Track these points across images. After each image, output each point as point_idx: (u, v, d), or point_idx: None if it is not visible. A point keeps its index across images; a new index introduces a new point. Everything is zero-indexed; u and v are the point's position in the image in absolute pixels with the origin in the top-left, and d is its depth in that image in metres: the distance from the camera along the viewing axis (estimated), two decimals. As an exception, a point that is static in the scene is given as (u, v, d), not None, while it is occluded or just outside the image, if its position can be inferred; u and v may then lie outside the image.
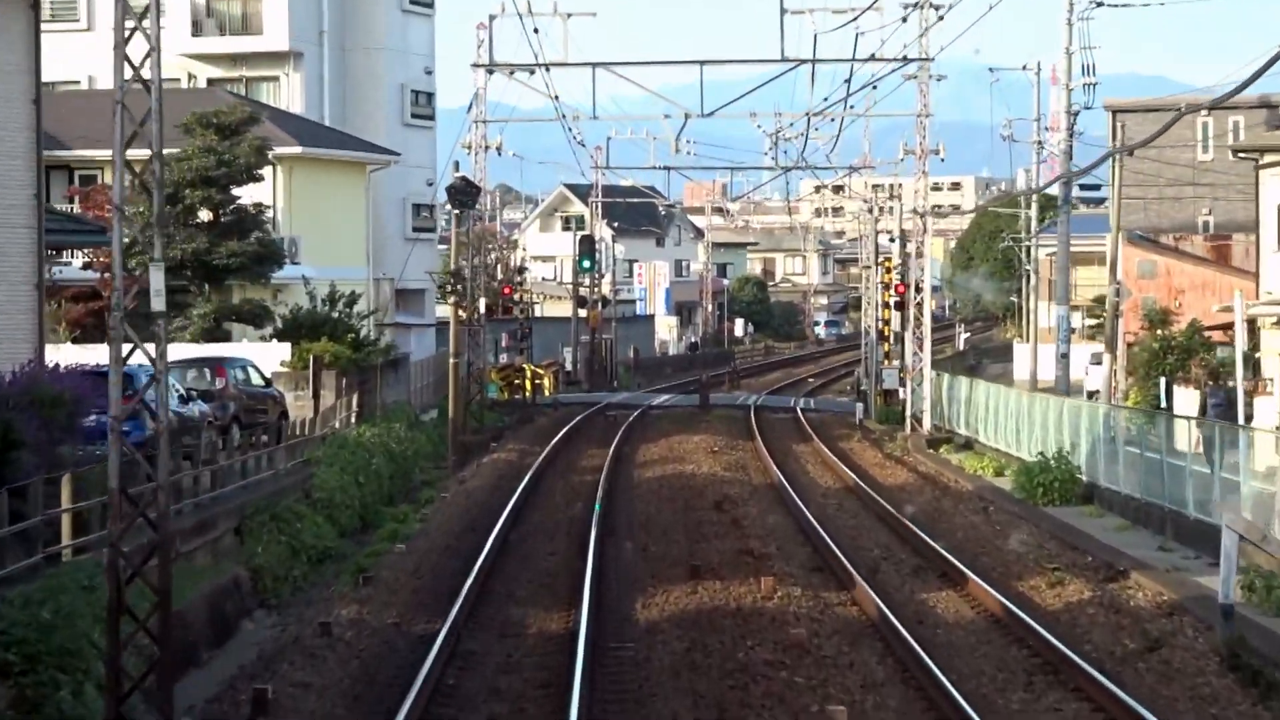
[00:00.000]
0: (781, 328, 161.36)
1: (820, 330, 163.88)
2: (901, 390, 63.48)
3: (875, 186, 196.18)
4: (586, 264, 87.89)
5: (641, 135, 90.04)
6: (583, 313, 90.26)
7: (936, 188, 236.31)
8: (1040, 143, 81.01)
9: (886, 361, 69.16)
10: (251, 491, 33.65)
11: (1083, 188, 74.46)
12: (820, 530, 33.08)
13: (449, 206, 57.53)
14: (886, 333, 70.82)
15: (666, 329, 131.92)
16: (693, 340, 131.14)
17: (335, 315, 54.38)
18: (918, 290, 72.74)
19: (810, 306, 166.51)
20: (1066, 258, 63.99)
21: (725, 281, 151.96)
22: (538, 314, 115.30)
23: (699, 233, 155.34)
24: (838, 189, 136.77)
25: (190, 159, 51.53)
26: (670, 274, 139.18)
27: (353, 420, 50.28)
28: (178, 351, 49.89)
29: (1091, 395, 74.89)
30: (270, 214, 57.28)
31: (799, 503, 37.82)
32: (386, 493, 42.79)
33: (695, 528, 34.14)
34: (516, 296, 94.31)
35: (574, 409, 70.28)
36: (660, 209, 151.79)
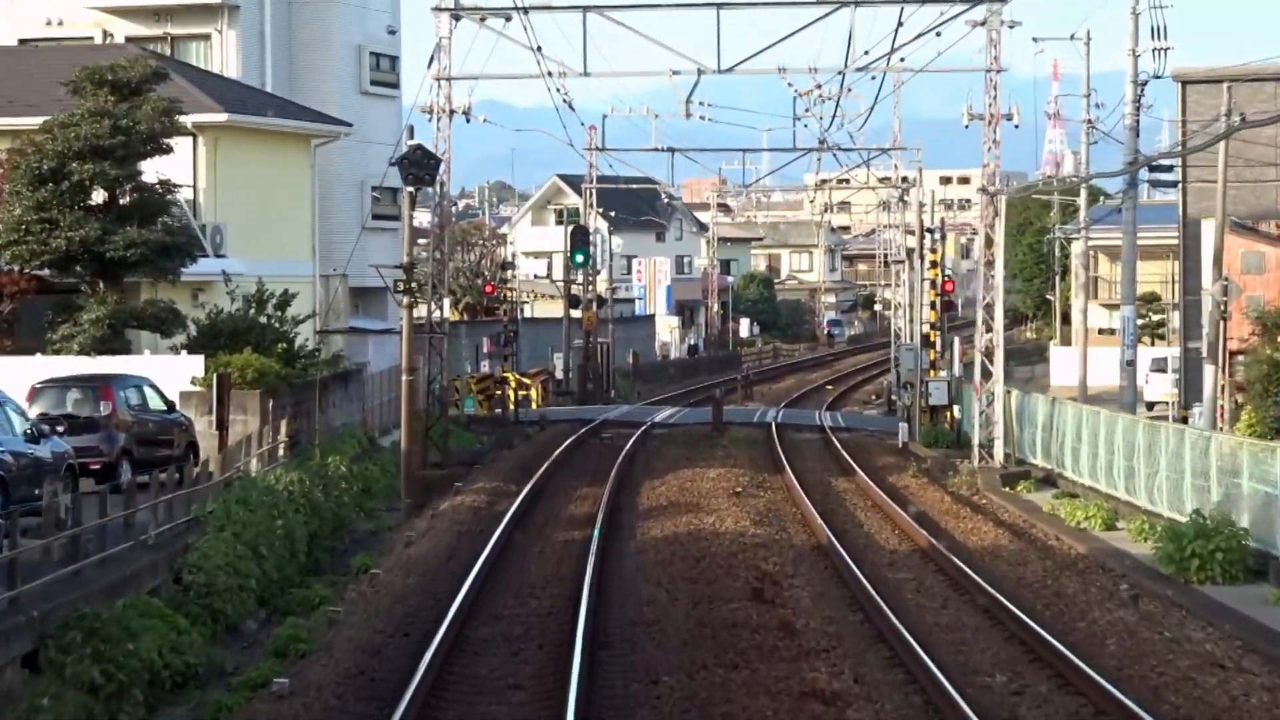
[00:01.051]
0: (789, 328, 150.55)
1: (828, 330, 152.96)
2: (957, 408, 52.58)
3: (883, 179, 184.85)
4: (580, 258, 76.96)
5: (642, 112, 79.33)
6: (576, 314, 79.35)
7: (946, 180, 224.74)
8: (1091, 122, 70.22)
9: (933, 372, 58.28)
10: (83, 582, 22.82)
11: (1151, 169, 63.29)
12: (909, 639, 22.22)
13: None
14: (933, 338, 59.91)
15: (668, 330, 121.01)
16: (692, 343, 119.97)
17: (264, 320, 43.50)
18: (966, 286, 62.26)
19: (820, 305, 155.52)
20: (1133, 250, 53.30)
21: (730, 279, 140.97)
22: (528, 315, 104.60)
23: (701, 226, 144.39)
24: (843, 181, 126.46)
25: (79, 124, 40.61)
26: (671, 271, 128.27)
27: (282, 453, 39.46)
28: (54, 367, 39.17)
29: (1152, 406, 64.06)
30: (187, 195, 46.39)
31: (863, 582, 26.89)
32: (306, 560, 31.94)
33: (727, 638, 23.13)
34: (502, 295, 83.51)
35: (564, 428, 59.37)
36: (663, 197, 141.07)
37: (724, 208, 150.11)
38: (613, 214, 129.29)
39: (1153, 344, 78.96)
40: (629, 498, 39.47)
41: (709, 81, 46.22)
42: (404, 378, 40.24)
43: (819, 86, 52.02)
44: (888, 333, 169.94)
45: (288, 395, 41.94)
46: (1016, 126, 44.77)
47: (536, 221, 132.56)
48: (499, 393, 64.16)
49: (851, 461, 47.24)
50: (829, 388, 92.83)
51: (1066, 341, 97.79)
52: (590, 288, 79.03)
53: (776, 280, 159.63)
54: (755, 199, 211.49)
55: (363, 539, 36.73)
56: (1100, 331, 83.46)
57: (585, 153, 78.71)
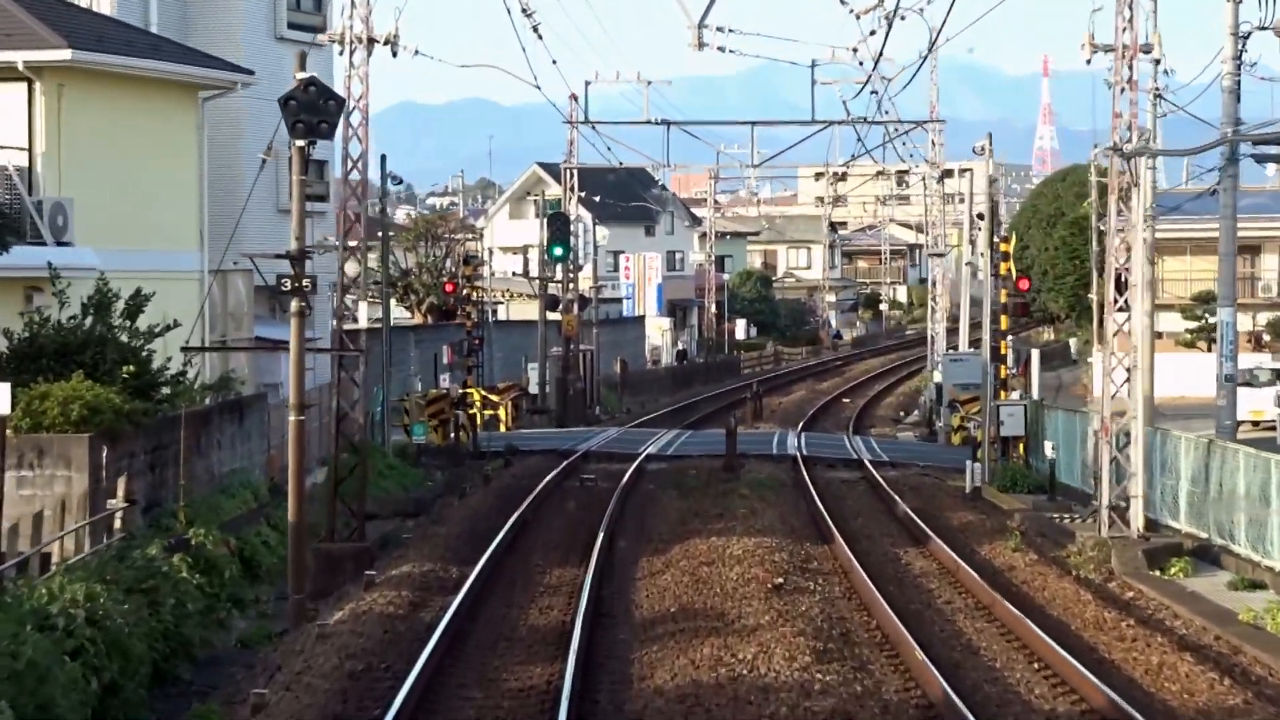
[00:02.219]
0: (789, 329, 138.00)
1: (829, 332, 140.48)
2: (1042, 446, 39.89)
3: (879, 173, 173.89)
4: (558, 251, 64.31)
5: (632, 79, 66.86)
6: (556, 316, 66.67)
7: (948, 173, 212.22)
8: (1159, 93, 57.88)
9: (1004, 394, 45.78)
10: None
11: (1257, 143, 50.81)
12: None
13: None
14: (1005, 349, 47.40)
15: (659, 333, 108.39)
16: (681, 347, 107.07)
17: (109, 331, 30.86)
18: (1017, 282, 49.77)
19: (824, 305, 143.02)
20: (1232, 239, 40.98)
21: (725, 276, 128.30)
22: (502, 317, 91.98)
23: (694, 219, 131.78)
24: (840, 176, 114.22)
25: None
26: (662, 267, 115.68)
27: (118, 525, 26.96)
28: None
29: (1239, 426, 51.65)
30: (18, 161, 33.75)
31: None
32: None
33: None
34: (468, 294, 71.43)
35: (535, 463, 46.80)
36: (656, 181, 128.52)
37: (695, 219, 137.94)
38: (597, 199, 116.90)
39: (1209, 349, 67.67)
40: (619, 593, 26.81)
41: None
42: (291, 418, 27.46)
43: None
44: (894, 334, 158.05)
45: (137, 440, 29.30)
46: (1158, 62, 32.13)
47: (515, 214, 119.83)
48: (460, 413, 51.53)
49: (916, 519, 34.63)
50: (846, 401, 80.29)
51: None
52: (571, 286, 66.41)
53: (773, 278, 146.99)
54: (750, 188, 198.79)
55: (228, 656, 24.22)
56: (1159, 336, 71.42)
57: (565, 126, 66.08)
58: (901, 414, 73.36)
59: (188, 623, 23.38)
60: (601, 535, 31.46)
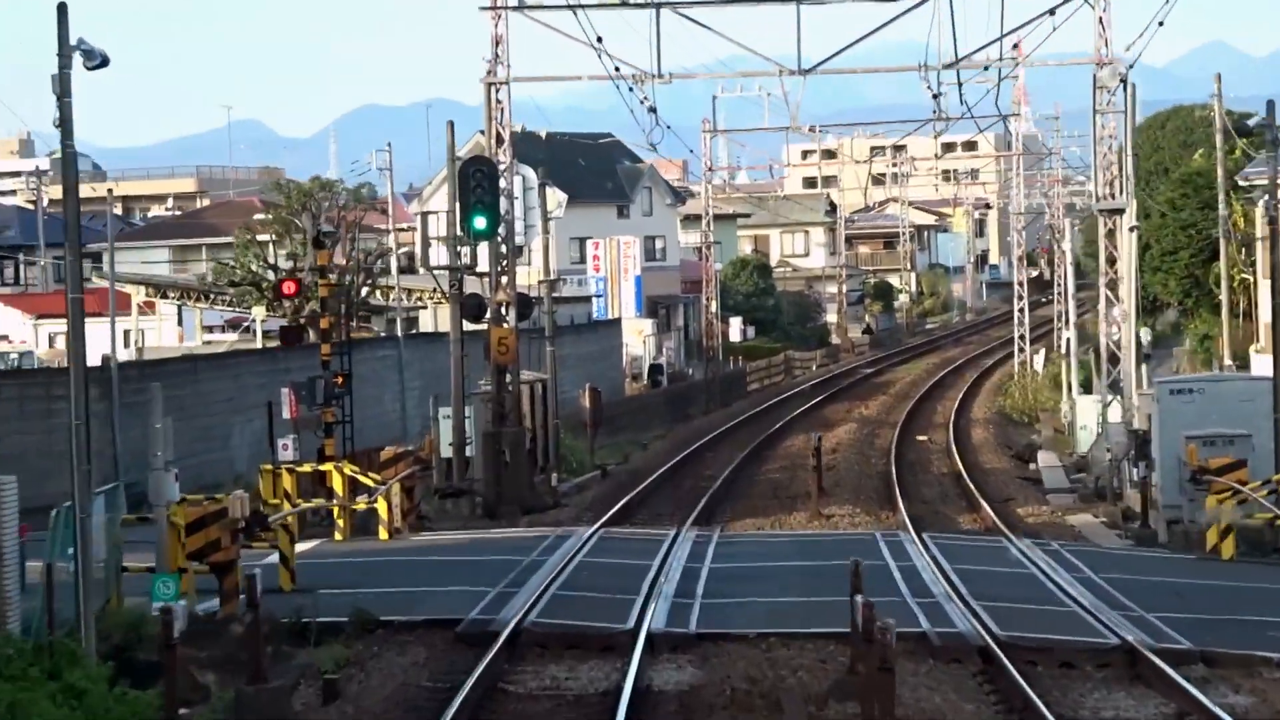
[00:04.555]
0: (793, 328, 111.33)
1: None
2: None
3: (874, 147, 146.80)
4: (480, 224, 37.32)
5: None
6: (483, 327, 39.78)
7: (949, 147, 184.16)
8: None
9: None
10: None
11: None
12: None
13: None
14: None
15: (639, 339, 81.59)
16: (660, 360, 79.66)
17: None
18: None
19: (837, 297, 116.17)
20: None
21: (716, 266, 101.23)
22: (426, 328, 65.15)
23: (677, 196, 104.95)
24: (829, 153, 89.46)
25: None
26: (640, 255, 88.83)
27: None
28: None
29: None
30: None
31: None
32: None
33: None
34: (371, 297, 44.96)
35: (396, 674, 20.01)
36: (625, 152, 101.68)
37: (686, 193, 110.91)
38: (554, 175, 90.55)
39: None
40: None
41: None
42: None
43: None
44: (915, 330, 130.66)
45: None
46: None
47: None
48: (259, 543, 24.71)
49: None
50: (923, 440, 53.60)
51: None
52: (504, 281, 39.38)
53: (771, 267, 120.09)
54: (729, 173, 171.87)
55: None
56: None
57: (486, 14, 39.23)
58: (1031, 467, 46.54)
59: None
60: None
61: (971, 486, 39.95)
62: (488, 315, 38.59)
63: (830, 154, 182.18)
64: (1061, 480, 42.07)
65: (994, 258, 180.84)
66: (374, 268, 56.47)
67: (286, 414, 34.77)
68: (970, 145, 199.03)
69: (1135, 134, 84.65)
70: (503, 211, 38.71)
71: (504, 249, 39.06)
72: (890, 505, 37.31)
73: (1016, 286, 67.65)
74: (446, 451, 38.51)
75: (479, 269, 39.22)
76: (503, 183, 38.79)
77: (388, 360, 54.01)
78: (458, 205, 37.73)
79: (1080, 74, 42.15)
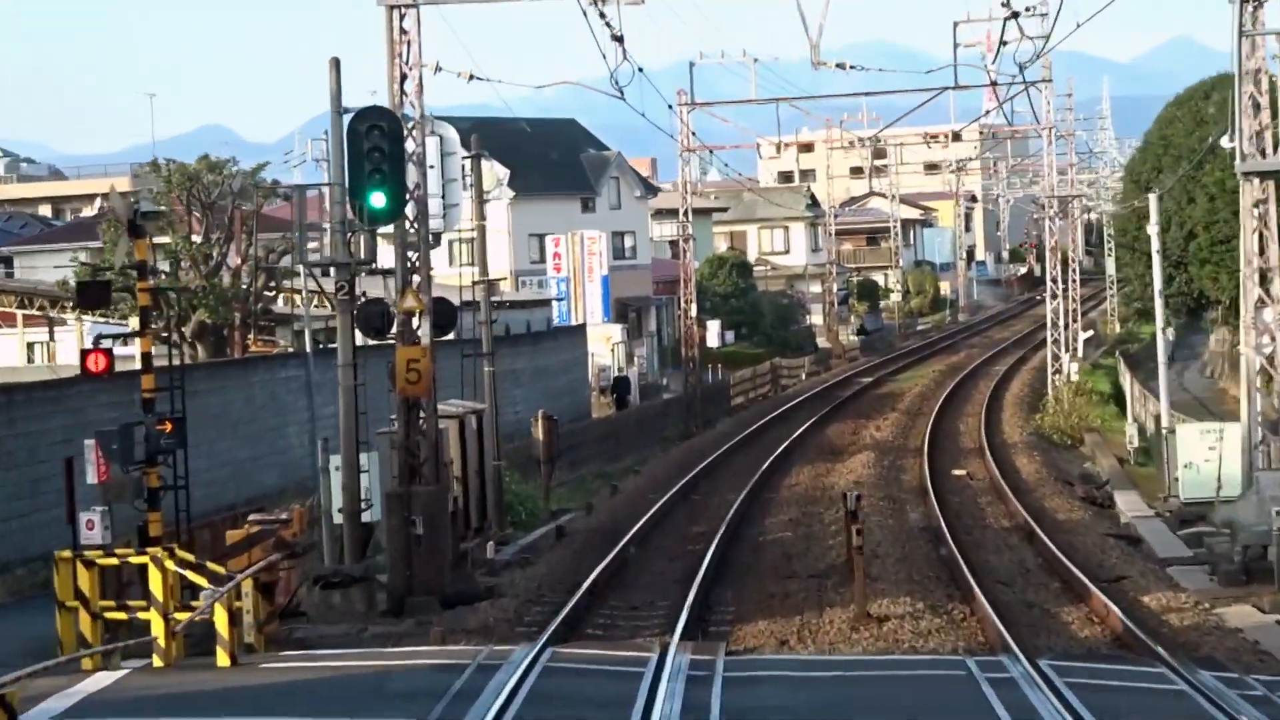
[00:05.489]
0: (775, 331, 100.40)
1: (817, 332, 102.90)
2: None
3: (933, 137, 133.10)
4: (380, 201, 26.20)
5: None
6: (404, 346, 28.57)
7: (934, 138, 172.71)
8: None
9: None
10: None
11: None
12: None
13: None
14: None
15: (606, 348, 70.55)
16: (622, 374, 68.20)
17: None
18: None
19: (830, 298, 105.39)
20: None
21: (694, 264, 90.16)
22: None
23: (648, 188, 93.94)
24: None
25: None
26: (608, 252, 77.83)
27: None
28: None
29: None
30: None
31: None
32: None
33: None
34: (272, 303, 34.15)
35: None
36: (590, 139, 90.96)
37: (650, 188, 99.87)
38: (512, 166, 79.76)
39: None
40: None
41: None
42: None
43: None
44: (907, 332, 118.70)
45: None
46: None
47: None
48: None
49: None
50: (960, 475, 42.54)
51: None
52: (414, 281, 28.11)
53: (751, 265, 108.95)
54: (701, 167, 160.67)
55: None
56: None
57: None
58: (1120, 518, 35.39)
59: None
60: None
61: (1060, 555, 28.84)
62: (395, 330, 27.41)
63: (807, 147, 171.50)
64: (1171, 542, 31.08)
65: (980, 253, 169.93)
66: (277, 268, 45.20)
67: (93, 477, 23.72)
68: (956, 136, 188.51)
69: (1172, 108, 74.04)
70: (412, 186, 27.57)
71: (415, 237, 27.88)
72: (956, 590, 26.31)
73: (1050, 283, 56.64)
74: (340, 511, 27.36)
75: (373, 263, 28.05)
76: (413, 146, 27.61)
77: (292, 383, 42.95)
78: (346, 175, 26.56)
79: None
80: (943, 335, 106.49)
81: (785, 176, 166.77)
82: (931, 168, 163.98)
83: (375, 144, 26.30)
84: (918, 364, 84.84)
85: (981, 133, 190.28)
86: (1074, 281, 62.88)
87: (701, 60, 61.34)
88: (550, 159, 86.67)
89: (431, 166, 28.02)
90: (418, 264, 27.82)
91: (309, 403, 43.10)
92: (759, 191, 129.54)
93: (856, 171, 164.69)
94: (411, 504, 26.88)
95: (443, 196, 28.19)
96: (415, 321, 27.50)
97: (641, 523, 34.63)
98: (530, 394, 58.72)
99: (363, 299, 27.65)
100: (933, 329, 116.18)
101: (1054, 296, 56.33)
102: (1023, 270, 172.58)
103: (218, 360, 43.34)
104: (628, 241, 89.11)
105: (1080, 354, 69.68)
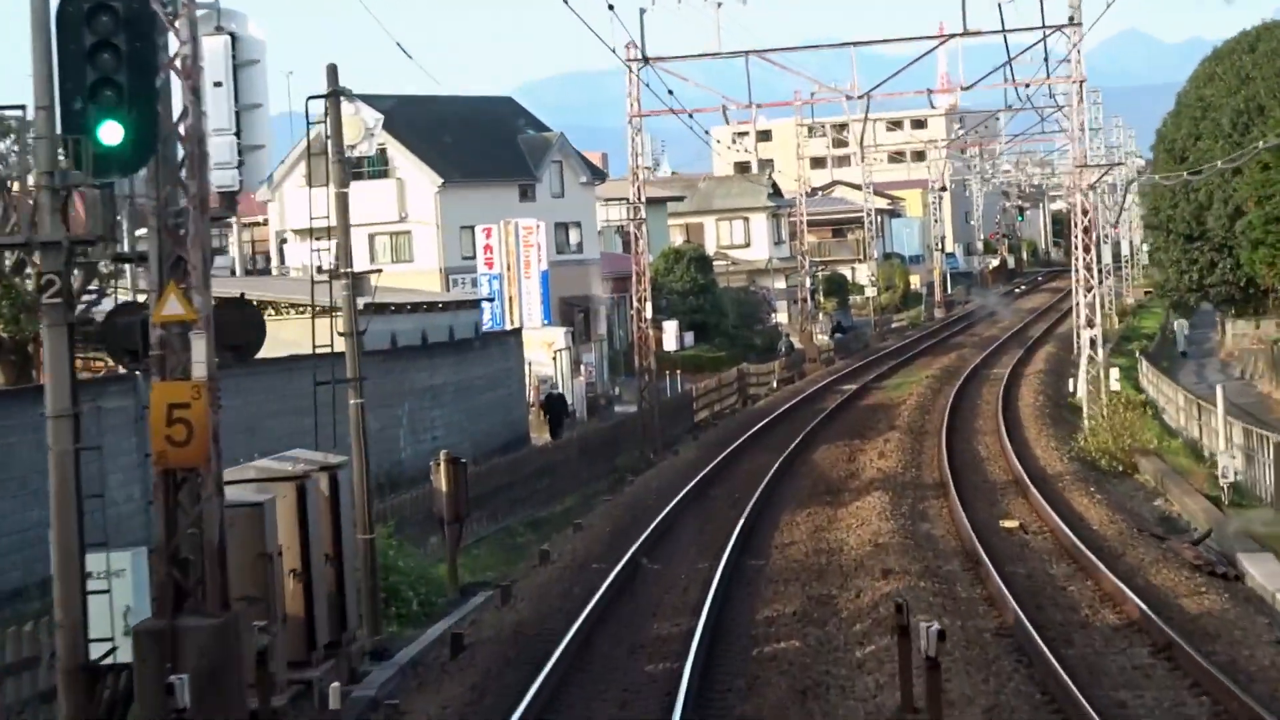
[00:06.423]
0: (738, 332, 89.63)
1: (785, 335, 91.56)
2: None
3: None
4: (114, 136, 15.17)
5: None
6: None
7: (896, 124, 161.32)
8: None
9: None
10: None
11: None
12: None
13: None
14: None
15: (548, 355, 59.40)
16: (556, 390, 56.24)
17: None
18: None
19: (804, 294, 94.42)
20: None
21: (648, 258, 78.72)
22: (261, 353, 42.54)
23: (595, 173, 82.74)
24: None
25: None
26: (549, 245, 66.66)
27: None
28: None
29: None
30: None
31: None
32: None
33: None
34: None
35: None
36: (528, 118, 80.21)
37: (598, 173, 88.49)
38: (439, 153, 68.97)
39: None
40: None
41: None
42: None
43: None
44: (884, 330, 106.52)
45: None
46: None
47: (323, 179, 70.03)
48: None
49: None
50: (1011, 528, 31.41)
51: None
52: (192, 277, 16.92)
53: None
54: (653, 158, 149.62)
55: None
56: None
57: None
58: (1256, 592, 24.46)
59: None
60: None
61: (1250, 704, 17.68)
62: (143, 358, 16.14)
63: (765, 134, 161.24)
64: None
65: (949, 244, 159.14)
66: (100, 266, 34.01)
67: None
68: (919, 124, 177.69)
69: (1210, 64, 63.39)
70: (177, 114, 16.31)
71: (185, 199, 16.55)
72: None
73: (1083, 271, 45.68)
74: (103, 645, 16.02)
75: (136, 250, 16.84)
76: (177, 46, 16.30)
77: (118, 415, 31.76)
78: (57, 93, 15.29)
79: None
80: (923, 334, 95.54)
81: (743, 168, 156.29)
82: (896, 157, 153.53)
83: (104, 36, 15.08)
84: (904, 367, 73.88)
85: (948, 114, 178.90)
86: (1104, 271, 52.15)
87: (654, 6, 49.99)
88: (484, 141, 75.65)
89: (217, 84, 16.72)
90: (190, 244, 16.48)
91: (139, 442, 31.82)
92: (711, 179, 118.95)
93: (818, 163, 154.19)
94: (176, 650, 15.59)
95: (236, 133, 16.88)
96: (186, 339, 16.21)
97: (580, 621, 23.50)
98: (453, 415, 47.61)
99: (98, 301, 16.47)
100: (909, 326, 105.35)
101: (1088, 289, 45.25)
102: (995, 262, 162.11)
103: (7, 389, 32.05)
104: (572, 234, 78.10)
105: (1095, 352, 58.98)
